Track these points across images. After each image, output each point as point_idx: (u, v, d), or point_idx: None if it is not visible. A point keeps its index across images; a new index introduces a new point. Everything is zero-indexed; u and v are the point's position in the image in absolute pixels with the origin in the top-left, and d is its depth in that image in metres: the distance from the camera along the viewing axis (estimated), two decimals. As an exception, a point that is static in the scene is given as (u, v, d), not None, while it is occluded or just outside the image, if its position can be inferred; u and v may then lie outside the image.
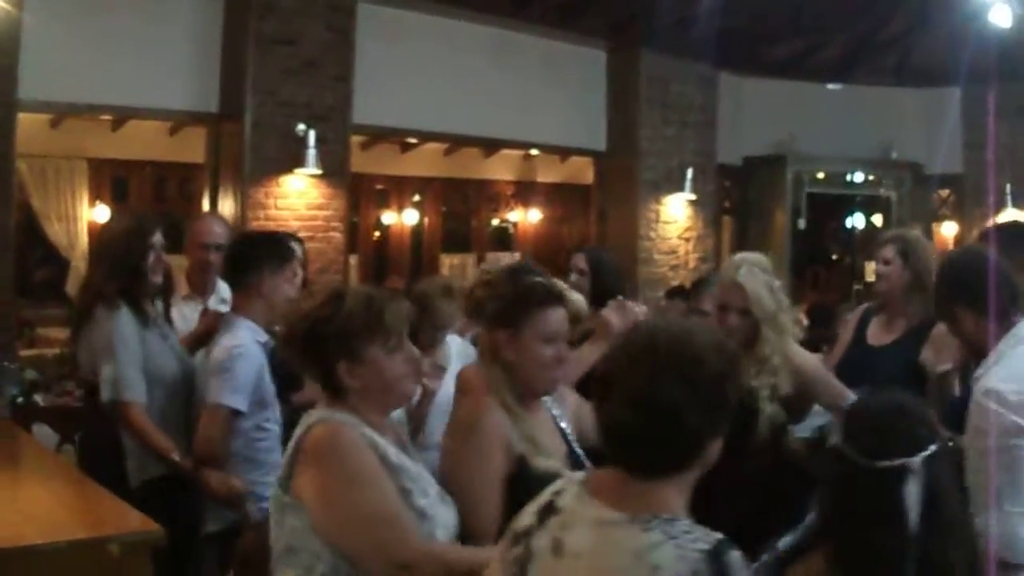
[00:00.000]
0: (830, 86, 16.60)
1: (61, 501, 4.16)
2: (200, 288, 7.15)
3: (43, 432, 8.69)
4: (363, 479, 3.38)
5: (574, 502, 2.71)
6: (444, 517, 3.52)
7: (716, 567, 2.48)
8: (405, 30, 12.71)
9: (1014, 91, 15.31)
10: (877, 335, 6.25)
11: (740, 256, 5.27)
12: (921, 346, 5.59)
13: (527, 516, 2.79)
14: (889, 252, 6.08)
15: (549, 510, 2.75)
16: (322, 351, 3.52)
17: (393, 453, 3.49)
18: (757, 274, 5.06)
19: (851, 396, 4.96)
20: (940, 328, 5.08)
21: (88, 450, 5.93)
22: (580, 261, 7.02)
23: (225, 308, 6.12)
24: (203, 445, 5.23)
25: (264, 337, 5.43)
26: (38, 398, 9.58)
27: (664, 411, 2.57)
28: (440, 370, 6.00)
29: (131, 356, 5.39)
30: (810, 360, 5.31)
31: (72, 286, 15.40)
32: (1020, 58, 13.92)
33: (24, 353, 11.12)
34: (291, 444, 3.51)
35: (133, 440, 5.39)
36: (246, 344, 5.31)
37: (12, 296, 10.52)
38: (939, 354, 5.32)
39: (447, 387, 5.46)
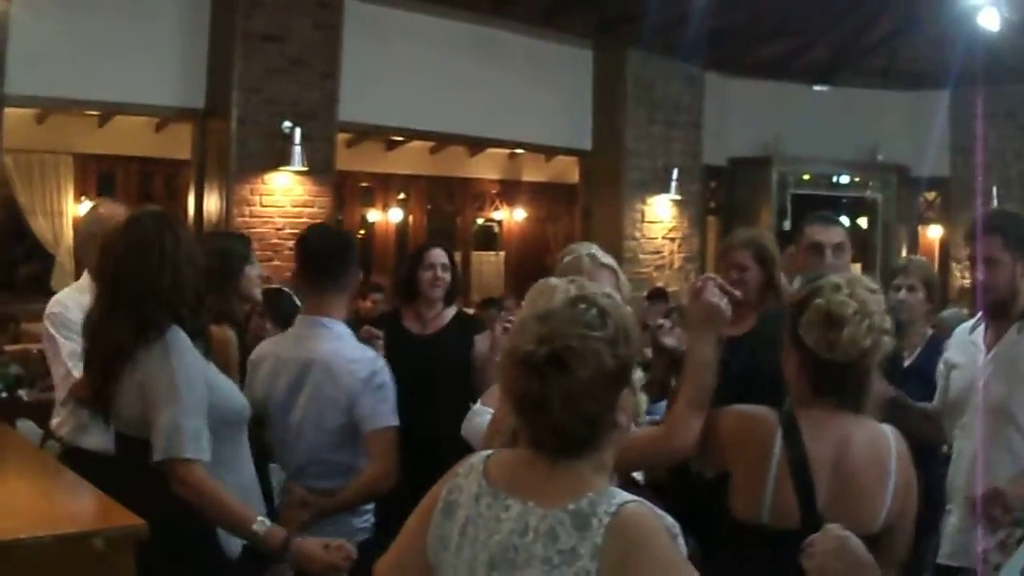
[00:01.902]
0: (816, 88, 16.63)
1: (45, 495, 4.14)
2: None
3: (27, 427, 8.68)
4: None
5: None
6: None
7: None
8: (392, 28, 12.72)
9: (1002, 94, 15.39)
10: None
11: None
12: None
13: None
14: (744, 258, 6.01)
15: None
16: (618, 383, 2.79)
17: None
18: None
19: None
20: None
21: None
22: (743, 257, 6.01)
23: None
24: (392, 476, 4.79)
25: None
26: (22, 393, 9.59)
27: None
28: None
29: (197, 402, 4.15)
30: None
31: (58, 282, 15.39)
32: (1008, 61, 13.99)
33: (8, 348, 11.11)
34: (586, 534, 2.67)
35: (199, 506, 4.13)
36: (376, 354, 5.04)
37: (-3, 291, 10.52)
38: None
39: None
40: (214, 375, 4.33)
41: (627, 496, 2.69)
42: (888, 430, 3.86)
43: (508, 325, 5.30)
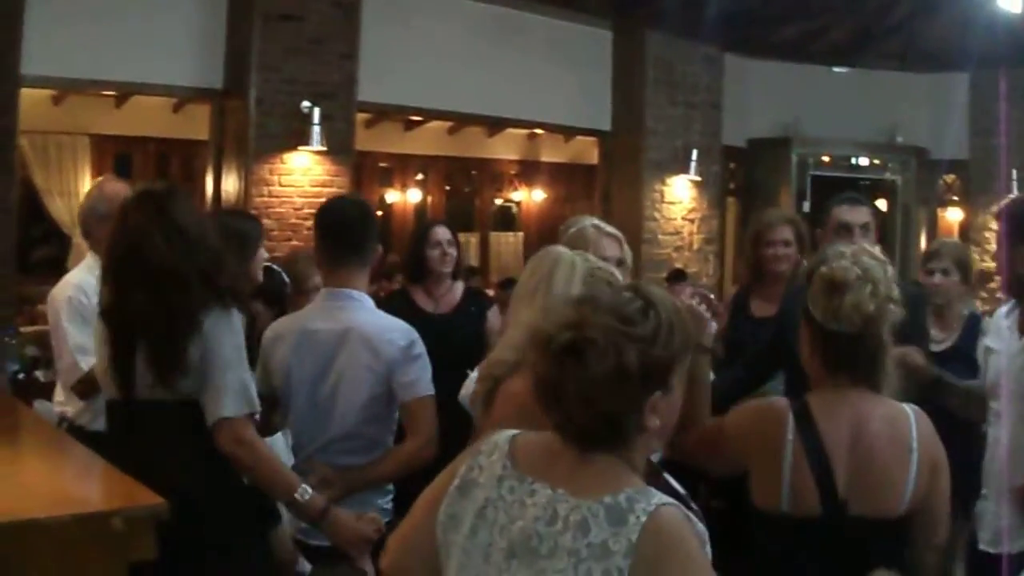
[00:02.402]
0: (836, 69, 16.56)
1: (64, 475, 4.12)
2: None
3: (44, 407, 8.67)
4: None
5: None
6: None
7: None
8: (411, 8, 12.68)
9: (1021, 76, 15.29)
10: (761, 308, 6.44)
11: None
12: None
13: None
14: (788, 234, 6.22)
15: None
16: (646, 384, 2.66)
17: None
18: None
19: None
20: None
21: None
22: (787, 232, 6.42)
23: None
24: (434, 444, 4.78)
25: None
26: (39, 374, 9.61)
27: None
28: None
29: (246, 364, 4.32)
30: None
31: (74, 263, 15.37)
32: (1029, 43, 13.90)
33: (25, 330, 11.11)
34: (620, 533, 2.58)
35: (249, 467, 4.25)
36: (407, 324, 4.95)
37: (13, 272, 10.50)
38: None
39: None
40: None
41: (665, 497, 2.61)
42: (909, 408, 3.79)
43: None
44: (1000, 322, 5.09)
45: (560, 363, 2.60)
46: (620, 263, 5.00)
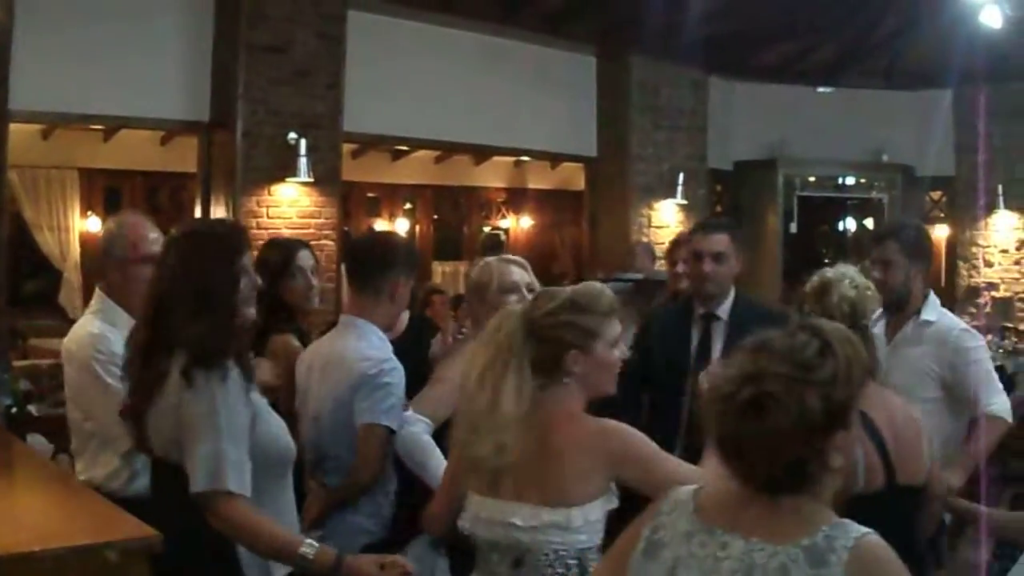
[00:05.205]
0: (820, 89, 16.59)
1: (58, 508, 4.14)
2: None
3: (36, 441, 8.68)
4: None
5: None
6: None
7: None
8: (395, 38, 12.71)
9: (1005, 93, 15.36)
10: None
11: None
12: None
13: None
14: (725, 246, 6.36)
15: None
16: (829, 427, 2.63)
17: None
18: None
19: None
20: None
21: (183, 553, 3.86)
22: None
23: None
24: (368, 472, 4.87)
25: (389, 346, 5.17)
26: (32, 408, 9.60)
27: None
28: None
29: (239, 432, 3.93)
30: None
31: (65, 297, 15.42)
32: (1011, 60, 13.97)
33: (17, 364, 11.11)
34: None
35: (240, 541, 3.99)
36: (393, 357, 5.02)
37: (4, 306, 10.51)
38: None
39: None
40: (263, 408, 4.18)
41: (862, 528, 2.60)
42: (893, 393, 4.48)
43: (463, 333, 5.56)
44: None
45: (741, 419, 2.58)
46: (531, 289, 5.13)
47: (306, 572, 3.94)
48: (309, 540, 3.96)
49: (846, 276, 4.59)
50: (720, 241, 6.25)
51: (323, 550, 3.92)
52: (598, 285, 4.00)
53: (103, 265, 5.29)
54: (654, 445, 3.82)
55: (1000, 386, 6.18)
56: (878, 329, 5.68)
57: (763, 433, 2.54)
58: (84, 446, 5.13)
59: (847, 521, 2.63)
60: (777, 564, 2.54)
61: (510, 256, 5.52)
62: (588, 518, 3.64)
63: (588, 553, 3.65)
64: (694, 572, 2.64)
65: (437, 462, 4.68)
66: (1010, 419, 6.03)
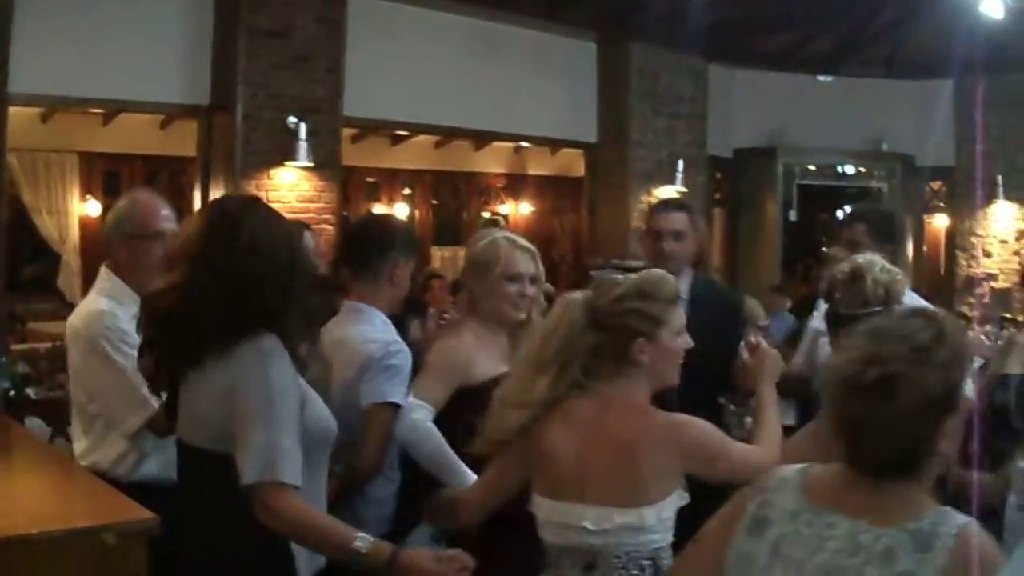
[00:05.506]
0: (821, 78, 16.55)
1: (55, 491, 4.15)
2: None
3: (35, 425, 8.70)
4: None
5: None
6: None
7: None
8: (396, 22, 12.69)
9: (1006, 83, 15.36)
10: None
11: None
12: None
13: None
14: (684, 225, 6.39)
15: None
16: (944, 411, 2.68)
17: None
18: None
19: None
20: None
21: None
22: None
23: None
24: (374, 457, 4.77)
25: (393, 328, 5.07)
26: (30, 391, 9.61)
27: None
28: None
29: (293, 419, 3.64)
30: None
31: (64, 281, 15.41)
32: (1012, 50, 13.96)
33: (16, 347, 11.12)
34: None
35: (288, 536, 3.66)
36: (399, 339, 4.98)
37: (3, 290, 10.50)
38: None
39: None
40: (308, 390, 3.87)
41: (964, 516, 2.63)
42: None
43: (445, 319, 5.48)
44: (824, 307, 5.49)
45: (867, 399, 2.60)
46: (534, 280, 5.02)
47: (359, 566, 3.60)
48: (362, 533, 3.59)
49: (875, 262, 4.70)
50: (679, 220, 6.27)
51: (377, 544, 3.57)
52: (661, 272, 3.95)
53: (110, 242, 5.06)
54: (719, 432, 3.82)
55: None
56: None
57: (888, 414, 2.58)
58: (88, 429, 4.85)
59: (949, 508, 2.66)
60: (883, 547, 2.57)
61: (520, 240, 5.12)
62: (661, 516, 3.59)
63: (661, 552, 3.62)
64: (798, 550, 2.68)
65: (440, 448, 4.61)
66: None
